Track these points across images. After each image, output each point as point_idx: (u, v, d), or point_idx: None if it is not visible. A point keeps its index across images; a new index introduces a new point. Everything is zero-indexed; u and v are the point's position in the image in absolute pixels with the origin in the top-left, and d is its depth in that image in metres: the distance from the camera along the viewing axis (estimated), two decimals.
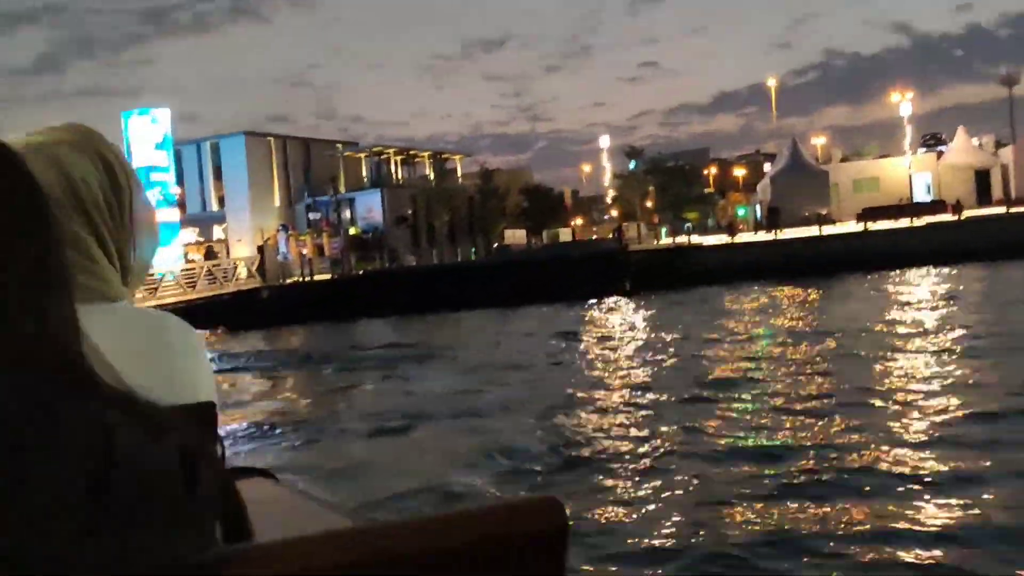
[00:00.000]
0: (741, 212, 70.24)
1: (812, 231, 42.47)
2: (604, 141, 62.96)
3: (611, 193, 59.58)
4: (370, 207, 60.17)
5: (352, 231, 58.03)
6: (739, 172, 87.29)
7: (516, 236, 53.20)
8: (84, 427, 0.52)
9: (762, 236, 43.18)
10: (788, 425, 11.11)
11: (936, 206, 44.92)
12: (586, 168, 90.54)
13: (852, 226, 43.73)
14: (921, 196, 51.07)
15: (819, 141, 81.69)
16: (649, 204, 60.22)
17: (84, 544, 0.49)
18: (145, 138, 53.48)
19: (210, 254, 44.10)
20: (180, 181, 57.52)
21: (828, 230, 42.27)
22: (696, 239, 45.02)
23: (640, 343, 21.86)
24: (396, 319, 35.68)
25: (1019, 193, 48.49)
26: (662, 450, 10.14)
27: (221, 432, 1.22)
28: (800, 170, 51.19)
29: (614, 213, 69.06)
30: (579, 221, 68.34)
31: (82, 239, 1.25)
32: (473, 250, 59.07)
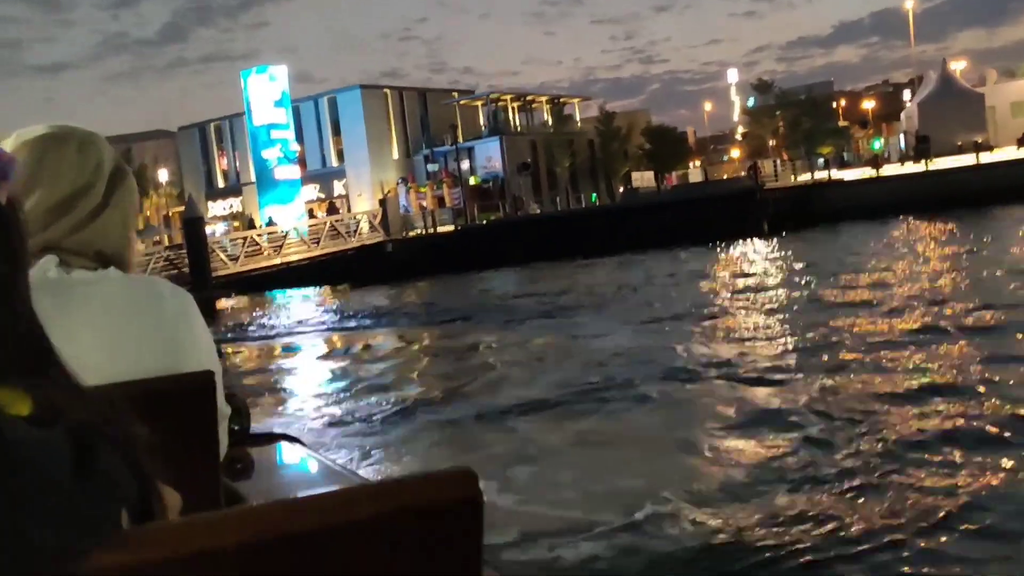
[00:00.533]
0: (877, 145, 66.25)
1: (966, 160, 39.15)
2: (732, 75, 60.02)
3: (740, 130, 56.55)
4: (489, 156, 58.84)
5: (472, 181, 56.88)
6: (868, 104, 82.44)
7: (644, 179, 51.11)
8: (53, 443, 0.51)
9: (910, 168, 40.01)
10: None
11: None
12: (708, 107, 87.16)
13: (1013, 153, 40.13)
14: None
15: (958, 66, 76.32)
16: (774, 141, 57.12)
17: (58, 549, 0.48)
18: (264, 96, 53.39)
19: (332, 210, 43.64)
20: (299, 138, 57.45)
21: (986, 158, 38.87)
22: (837, 174, 42.08)
23: (799, 286, 19.96)
24: (524, 268, 34.44)
25: None
26: None
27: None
28: (951, 94, 47.25)
29: (735, 153, 66.03)
30: (698, 162, 65.70)
31: (98, 209, 1.32)
32: (595, 196, 57.37)
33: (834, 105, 79.63)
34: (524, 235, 38.82)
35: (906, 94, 67.02)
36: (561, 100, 63.90)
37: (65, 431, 0.56)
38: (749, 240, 35.02)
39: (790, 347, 12.61)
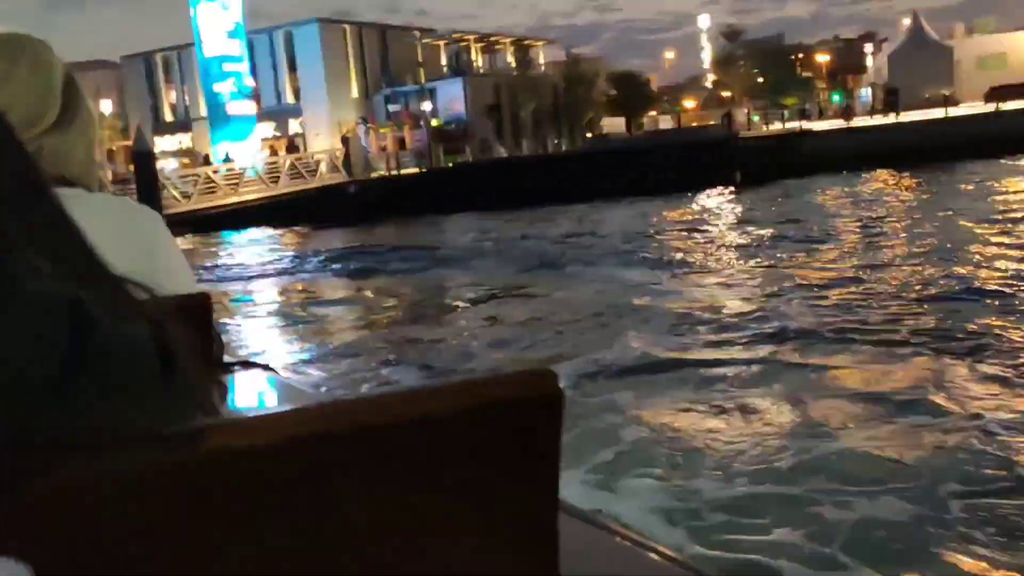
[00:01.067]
0: (836, 98, 65.96)
1: (935, 113, 38.81)
2: (703, 21, 58.80)
3: (710, 77, 55.74)
4: (452, 97, 57.38)
5: (434, 123, 55.48)
6: (822, 58, 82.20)
7: (614, 124, 50.12)
8: (54, 301, 0.51)
9: (880, 120, 39.58)
10: None
11: None
12: (669, 55, 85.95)
13: (980, 107, 39.89)
14: None
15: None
16: (737, 91, 56.39)
17: (47, 416, 0.49)
18: (216, 26, 50.91)
19: (292, 148, 42.14)
20: (253, 73, 55.31)
21: (954, 112, 38.56)
22: (807, 125, 41.52)
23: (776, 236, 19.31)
24: (489, 214, 33.47)
25: None
26: None
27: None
28: (921, 47, 46.85)
29: (689, 104, 65.10)
30: (655, 112, 64.89)
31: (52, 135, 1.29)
32: (560, 141, 56.39)
33: (792, 57, 79.22)
34: (491, 179, 37.74)
35: (868, 47, 66.67)
36: (525, 43, 62.47)
37: (150, 332, 0.58)
38: (722, 189, 34.37)
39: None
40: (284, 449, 0.58)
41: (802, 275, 14.35)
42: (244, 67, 51.49)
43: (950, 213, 21.00)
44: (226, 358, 1.59)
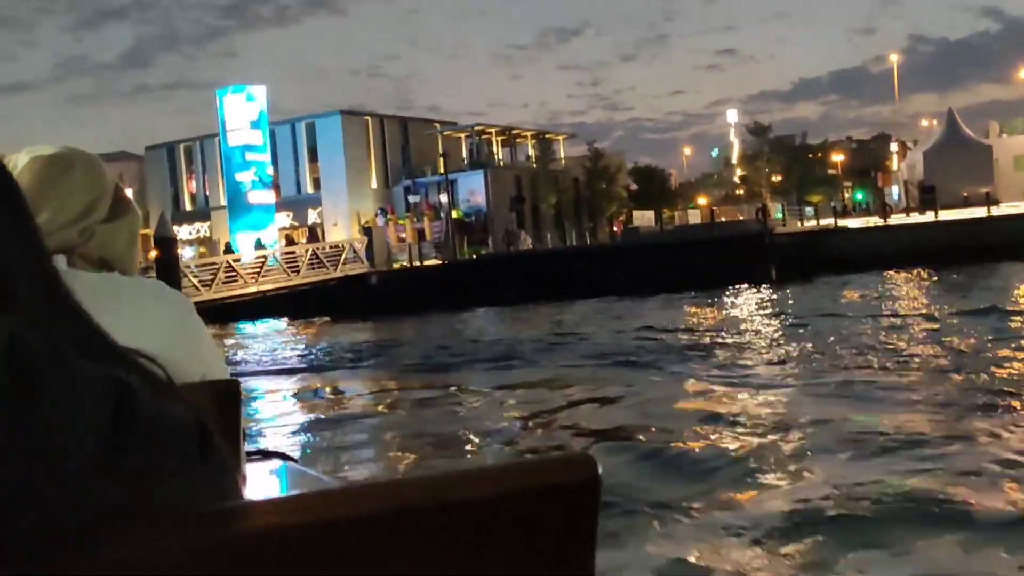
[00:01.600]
0: (859, 196, 65.38)
1: (976, 212, 37.67)
2: (732, 116, 58.41)
3: (738, 172, 55.01)
4: (472, 189, 56.80)
5: (455, 214, 54.77)
6: (837, 157, 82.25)
7: (644, 218, 49.21)
8: (100, 378, 0.53)
9: (917, 217, 38.45)
10: None
11: None
12: (687, 151, 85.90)
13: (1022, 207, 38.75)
14: None
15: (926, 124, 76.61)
16: (764, 186, 55.67)
17: (98, 488, 0.50)
18: (240, 116, 50.76)
19: (314, 237, 41.21)
20: (274, 163, 54.99)
21: (997, 211, 37.43)
22: (843, 221, 40.39)
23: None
24: (514, 309, 32.28)
25: None
26: None
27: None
28: (959, 144, 46.00)
29: (701, 201, 64.36)
30: (702, 201, 64.13)
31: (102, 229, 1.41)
32: (585, 234, 55.48)
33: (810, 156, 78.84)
34: (516, 272, 36.63)
35: (893, 146, 66.18)
36: (546, 136, 62.15)
37: (190, 413, 0.59)
38: (756, 287, 33.07)
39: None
40: (325, 529, 0.58)
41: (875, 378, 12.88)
42: (266, 157, 51.15)
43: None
44: (247, 447, 1.55)
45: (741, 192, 59.18)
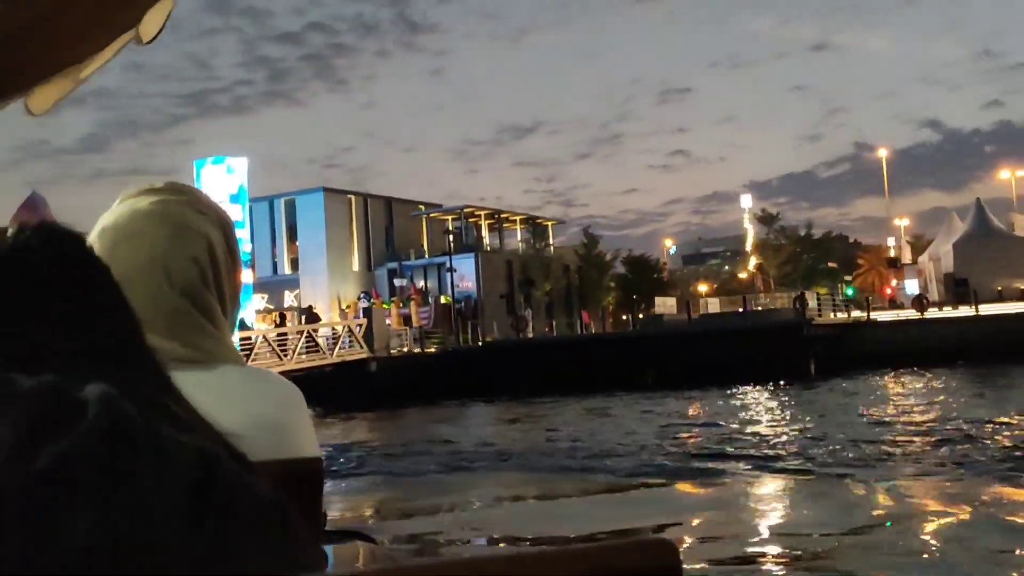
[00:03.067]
0: (849, 292, 63.32)
1: (1017, 306, 35.34)
2: (746, 200, 56.20)
3: (753, 260, 52.78)
4: (462, 274, 53.73)
5: (443, 300, 51.58)
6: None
7: (667, 305, 46.28)
8: (188, 446, 0.55)
9: (956, 311, 35.99)
10: None
11: None
12: (668, 243, 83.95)
13: None
14: None
15: (902, 223, 75.74)
16: (773, 275, 53.41)
17: (183, 554, 0.52)
18: (219, 189, 47.08)
19: (311, 318, 37.61)
20: (250, 241, 51.61)
21: None
22: (875, 315, 37.79)
23: None
24: (524, 403, 29.00)
25: None
26: None
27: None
28: (989, 236, 44.08)
29: (702, 288, 61.81)
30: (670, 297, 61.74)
31: (209, 303, 1.31)
32: (571, 323, 52.54)
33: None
34: (526, 361, 33.37)
35: (890, 240, 64.62)
36: (538, 220, 59.61)
37: (270, 489, 0.61)
38: (794, 384, 29.96)
39: None
40: None
41: None
42: (245, 234, 47.71)
43: None
44: (333, 527, 1.55)
45: (743, 280, 57.19)
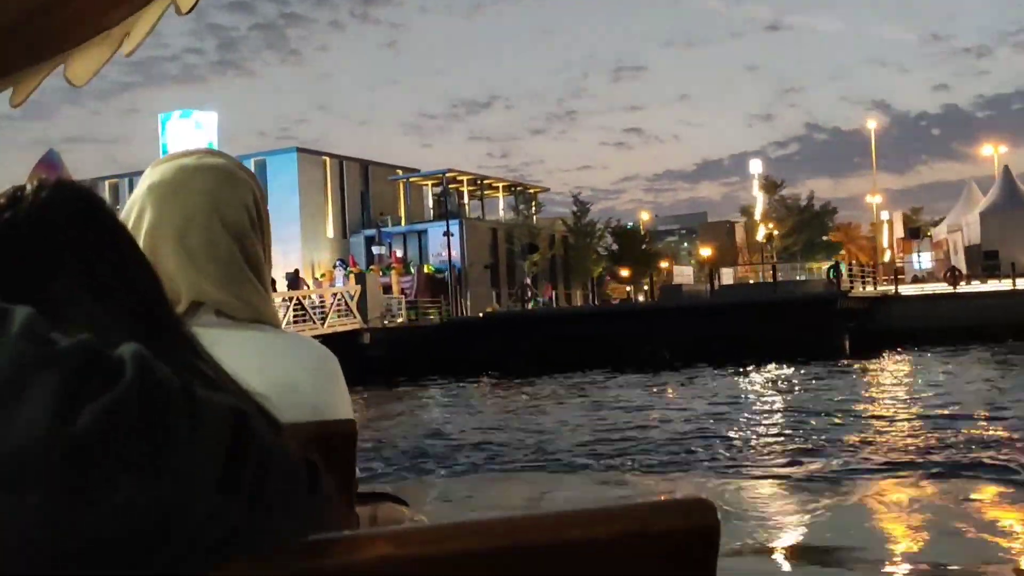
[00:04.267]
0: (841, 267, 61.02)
1: None
2: (755, 166, 53.48)
3: (762, 229, 50.17)
4: (443, 241, 50.54)
5: (425, 269, 48.45)
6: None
7: (683, 275, 43.42)
8: (221, 406, 0.56)
9: (992, 285, 33.55)
10: None
11: None
12: (645, 216, 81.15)
13: None
14: None
15: (874, 200, 73.92)
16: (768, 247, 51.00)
17: (219, 510, 0.53)
18: (186, 145, 43.67)
19: (294, 283, 34.35)
20: None
21: None
22: (903, 289, 35.23)
23: None
24: (530, 382, 26.20)
25: None
26: None
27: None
28: (1018, 205, 41.62)
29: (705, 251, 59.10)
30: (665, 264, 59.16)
31: (257, 252, 1.34)
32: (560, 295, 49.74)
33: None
34: (532, 335, 30.40)
35: (885, 214, 62.40)
36: (522, 187, 56.52)
37: (299, 451, 0.63)
38: (829, 361, 27.28)
39: None
40: (433, 564, 0.58)
41: None
42: None
43: None
44: (363, 488, 1.57)
45: (707, 259, 54.98)
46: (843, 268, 32.13)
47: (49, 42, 1.98)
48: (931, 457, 11.67)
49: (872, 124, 67.45)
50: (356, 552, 0.58)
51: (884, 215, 61.90)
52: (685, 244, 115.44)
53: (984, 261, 37.59)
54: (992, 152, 63.48)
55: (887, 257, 55.96)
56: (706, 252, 79.65)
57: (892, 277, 38.28)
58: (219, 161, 1.36)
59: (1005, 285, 32.57)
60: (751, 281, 39.12)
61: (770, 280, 31.86)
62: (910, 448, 12.51)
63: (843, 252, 57.40)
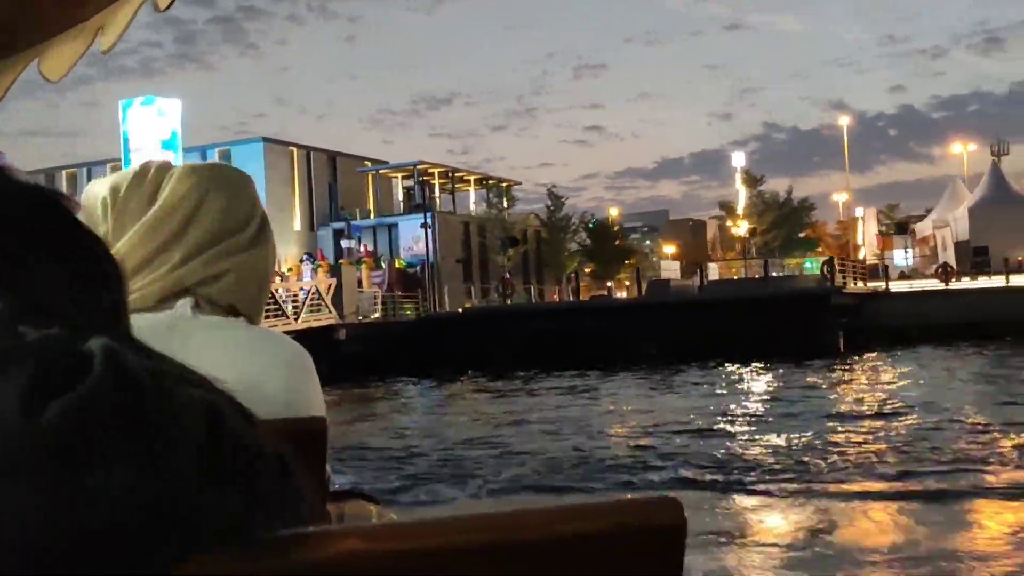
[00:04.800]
0: (808, 265, 60.56)
1: None
2: (738, 159, 52.39)
3: (743, 224, 49.13)
4: (416, 235, 49.10)
5: (397, 263, 46.97)
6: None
7: (670, 269, 42.29)
8: (195, 399, 0.56)
9: (983, 282, 32.79)
10: None
11: None
12: (614, 212, 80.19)
13: None
14: None
15: (841, 197, 73.82)
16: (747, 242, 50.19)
17: (197, 503, 0.53)
18: (148, 133, 41.65)
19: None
20: None
21: None
22: (893, 285, 34.39)
23: None
24: (512, 381, 25.10)
25: None
26: None
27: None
28: (1007, 200, 41.05)
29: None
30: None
31: (241, 249, 1.32)
32: (534, 292, 48.52)
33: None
34: (515, 330, 29.15)
35: (859, 211, 62.00)
36: (494, 180, 55.22)
37: (271, 444, 0.62)
38: (821, 360, 26.26)
39: None
40: (398, 560, 0.58)
41: None
42: None
43: None
44: (335, 486, 1.53)
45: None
46: (836, 264, 31.19)
47: (25, 35, 2.00)
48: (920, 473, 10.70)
49: (845, 120, 67.26)
50: (324, 548, 0.57)
51: (859, 212, 61.49)
52: (648, 242, 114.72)
53: (973, 257, 36.96)
54: (961, 151, 63.48)
55: (862, 254, 55.52)
56: (670, 249, 79.07)
57: (879, 274, 37.54)
58: (208, 163, 1.39)
59: (997, 281, 31.83)
60: (735, 277, 38.10)
61: (756, 276, 30.82)
62: (902, 459, 11.54)
63: (820, 248, 56.90)
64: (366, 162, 56.20)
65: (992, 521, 8.71)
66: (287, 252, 48.93)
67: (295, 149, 51.92)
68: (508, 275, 41.11)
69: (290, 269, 45.38)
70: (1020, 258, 35.71)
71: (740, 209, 49.83)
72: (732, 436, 14.14)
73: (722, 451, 12.71)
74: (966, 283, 32.96)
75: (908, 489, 9.89)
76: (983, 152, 53.66)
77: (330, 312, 27.52)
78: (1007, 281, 31.38)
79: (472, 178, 55.83)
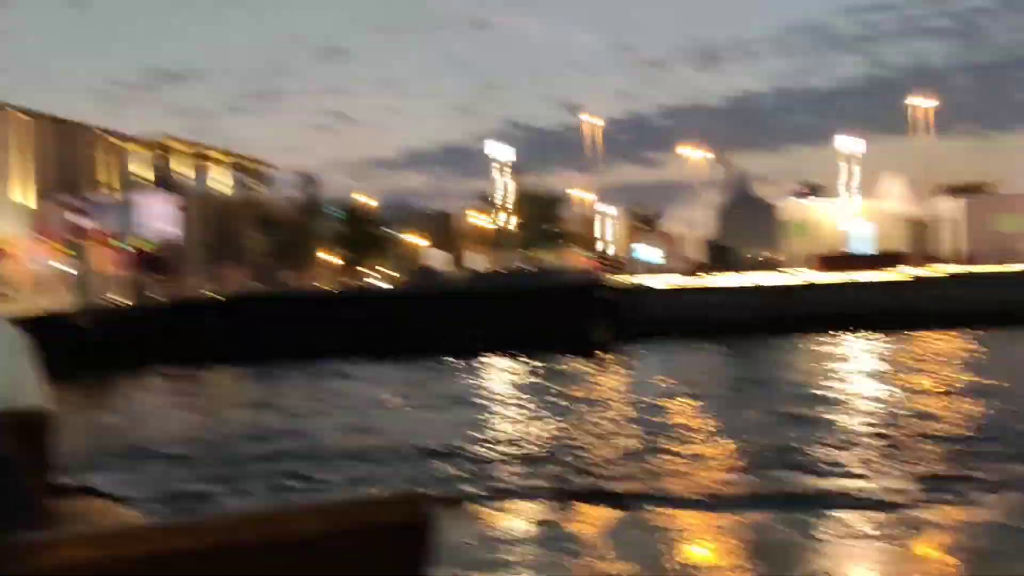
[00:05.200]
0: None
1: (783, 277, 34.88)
2: (503, 152, 51.75)
3: (504, 217, 48.89)
4: (156, 214, 45.66)
5: (145, 245, 43.43)
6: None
7: (437, 258, 41.14)
8: None
9: (733, 280, 34.65)
10: None
11: (893, 258, 38.99)
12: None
13: (812, 275, 36.48)
14: (859, 247, 44.92)
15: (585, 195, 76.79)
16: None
17: None
18: None
19: None
20: None
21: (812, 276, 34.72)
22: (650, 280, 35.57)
23: None
24: (263, 370, 23.94)
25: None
26: None
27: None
28: (748, 204, 43.60)
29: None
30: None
31: None
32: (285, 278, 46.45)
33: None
34: (268, 319, 27.52)
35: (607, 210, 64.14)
36: (251, 161, 52.51)
37: None
38: (583, 356, 26.47)
39: None
40: (129, 566, 0.55)
41: None
42: None
43: None
44: (66, 482, 1.46)
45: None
46: (590, 258, 31.85)
47: None
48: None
49: (600, 121, 69.23)
50: (47, 556, 0.52)
51: (604, 208, 63.58)
52: (400, 232, 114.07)
53: (720, 255, 39.03)
54: (689, 157, 67.35)
55: (611, 250, 57.44)
56: (417, 240, 78.49)
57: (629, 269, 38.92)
58: None
59: (743, 279, 33.92)
60: (495, 269, 38.19)
61: (507, 269, 30.92)
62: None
63: (571, 243, 58.29)
64: (104, 134, 51.64)
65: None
66: (5, 227, 43.97)
67: (19, 113, 46.67)
68: (265, 259, 39.01)
69: (10, 245, 40.86)
70: (761, 257, 38.43)
71: (499, 200, 50.03)
72: None
73: None
74: (715, 279, 34.73)
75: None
76: (708, 160, 57.55)
77: (68, 296, 24.69)
78: (755, 282, 33.48)
79: (224, 156, 52.79)
